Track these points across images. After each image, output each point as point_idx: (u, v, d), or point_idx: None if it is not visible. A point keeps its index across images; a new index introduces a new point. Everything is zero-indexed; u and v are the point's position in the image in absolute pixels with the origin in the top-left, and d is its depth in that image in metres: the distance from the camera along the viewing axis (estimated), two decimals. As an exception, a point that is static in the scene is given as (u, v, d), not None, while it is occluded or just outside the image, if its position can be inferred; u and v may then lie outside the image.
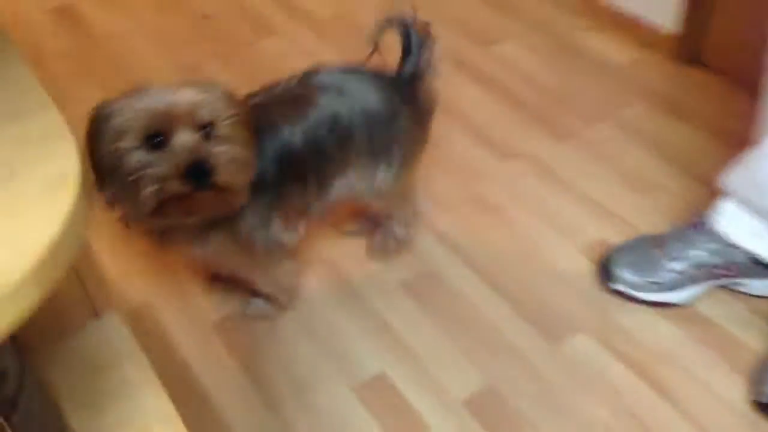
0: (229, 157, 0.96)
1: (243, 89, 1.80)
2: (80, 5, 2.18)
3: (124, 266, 1.44)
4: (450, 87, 1.82)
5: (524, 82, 1.86)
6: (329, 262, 1.44)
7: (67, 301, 1.00)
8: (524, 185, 1.59)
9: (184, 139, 0.93)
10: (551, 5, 2.12)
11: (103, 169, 0.93)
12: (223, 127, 0.96)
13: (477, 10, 2.12)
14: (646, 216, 1.49)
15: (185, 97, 0.94)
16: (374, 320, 1.33)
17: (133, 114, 0.92)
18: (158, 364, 0.99)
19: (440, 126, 1.72)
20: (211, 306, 1.37)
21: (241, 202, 1.03)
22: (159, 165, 0.92)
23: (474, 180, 1.60)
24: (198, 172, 0.92)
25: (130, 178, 0.92)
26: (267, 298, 1.34)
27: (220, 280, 1.39)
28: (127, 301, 1.38)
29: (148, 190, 0.92)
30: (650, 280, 1.30)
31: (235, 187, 0.98)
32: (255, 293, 1.34)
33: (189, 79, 1.00)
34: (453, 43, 1.98)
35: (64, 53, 2.00)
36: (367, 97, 1.19)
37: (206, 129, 0.95)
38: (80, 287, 1.02)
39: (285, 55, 1.97)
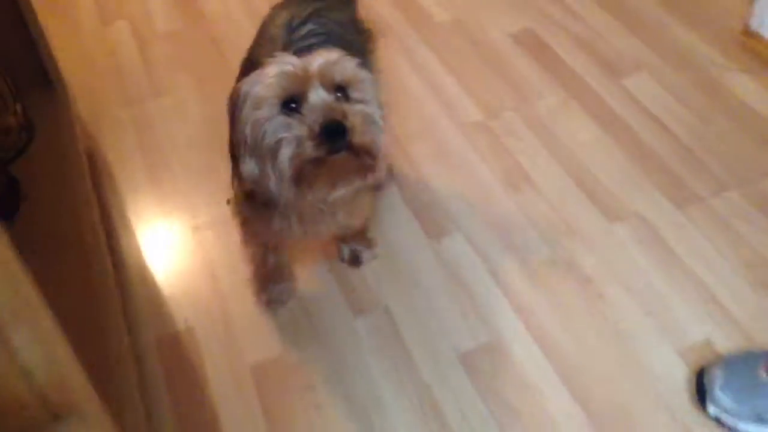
0: (365, 116, 0.93)
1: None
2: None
3: (178, 284, 1.37)
4: (564, 119, 1.61)
5: (651, 126, 1.61)
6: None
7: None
8: (626, 255, 1.37)
9: (317, 98, 0.92)
10: (699, 36, 1.83)
11: (245, 145, 0.94)
12: (357, 90, 0.96)
13: (612, 33, 1.86)
14: (765, 321, 1.24)
15: (318, 59, 0.93)
16: (420, 395, 1.18)
17: (267, 81, 0.92)
18: (182, 397, 0.96)
19: (540, 159, 1.52)
20: (251, 346, 1.27)
21: (380, 168, 0.97)
22: (294, 128, 0.90)
23: (567, 239, 1.40)
24: (333, 132, 0.89)
25: (269, 146, 0.92)
26: (364, 240, 1.37)
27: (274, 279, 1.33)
28: (170, 323, 1.32)
29: (285, 155, 0.90)
30: (751, 407, 1.07)
31: (373, 149, 0.94)
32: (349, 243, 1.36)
33: (323, 50, 0.97)
34: (579, 68, 1.75)
35: (170, 35, 1.95)
36: None
37: (340, 91, 0.94)
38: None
39: (389, 60, 1.82)
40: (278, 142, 0.91)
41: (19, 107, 1.41)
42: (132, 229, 1.48)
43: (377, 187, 1.18)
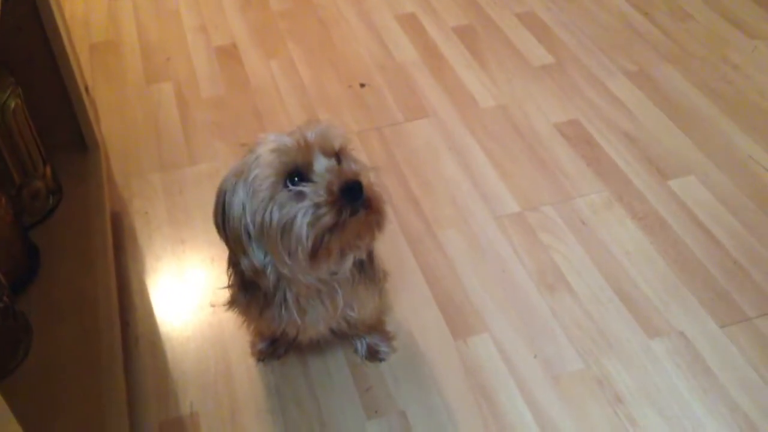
0: (369, 173, 0.93)
1: (379, 170, 1.67)
2: (244, 49, 2.13)
3: (187, 363, 1.32)
4: (605, 219, 1.54)
5: (697, 234, 1.52)
6: (399, 418, 1.23)
7: None
8: (663, 375, 1.27)
9: (325, 164, 0.90)
10: (755, 141, 1.75)
11: (247, 235, 0.92)
12: (347, 155, 0.96)
13: (662, 131, 1.80)
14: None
15: (311, 130, 0.92)
16: None
17: (265, 160, 0.90)
18: None
19: (578, 260, 1.45)
20: (255, 439, 1.21)
21: (385, 225, 0.97)
22: (309, 196, 0.88)
23: (601, 351, 1.31)
24: (353, 191, 0.88)
25: (280, 225, 0.89)
26: (381, 333, 1.32)
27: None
28: (174, 406, 1.26)
29: (302, 227, 0.88)
30: None
31: (383, 206, 0.94)
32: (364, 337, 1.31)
33: (307, 121, 0.97)
34: (624, 166, 1.69)
35: (213, 102, 1.95)
36: None
37: (336, 158, 0.93)
38: None
39: (428, 142, 1.79)
40: (292, 217, 0.88)
41: (49, 170, 1.40)
42: (148, 301, 1.44)
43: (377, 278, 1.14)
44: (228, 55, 2.11)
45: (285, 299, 1.04)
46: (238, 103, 1.94)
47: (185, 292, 1.46)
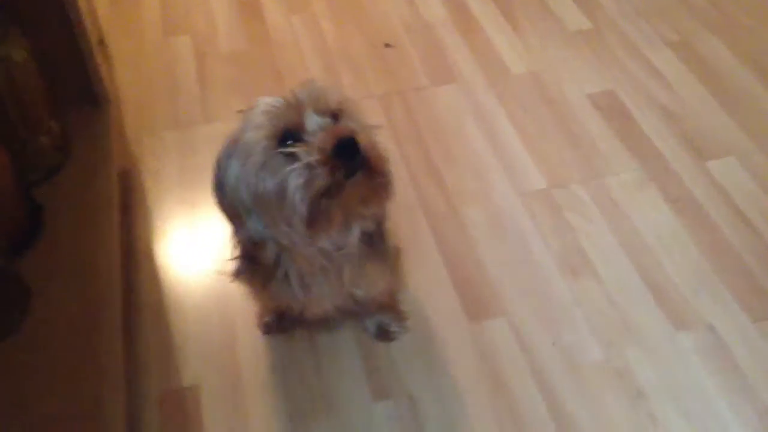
0: (369, 131, 0.87)
1: (400, 137, 1.57)
2: (266, 2, 2.04)
3: (192, 334, 1.28)
4: (637, 200, 1.46)
5: (734, 220, 1.43)
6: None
7: None
8: (688, 370, 1.21)
9: (318, 123, 0.84)
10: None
11: (241, 203, 0.87)
12: (348, 117, 0.89)
13: (703, 108, 1.69)
14: None
15: (305, 89, 0.87)
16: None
17: (256, 121, 0.85)
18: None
19: (605, 243, 1.37)
20: (258, 416, 1.17)
21: (391, 191, 0.89)
22: (301, 156, 0.81)
23: (623, 341, 1.25)
24: (348, 150, 0.81)
25: (274, 190, 0.83)
26: (393, 311, 1.26)
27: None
28: (175, 377, 1.23)
29: (296, 190, 0.81)
30: None
31: (385, 165, 0.86)
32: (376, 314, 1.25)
33: (304, 80, 0.90)
34: (660, 143, 1.59)
35: (232, 57, 1.87)
36: None
37: (333, 118, 0.87)
38: None
39: (454, 109, 1.70)
40: (284, 180, 0.82)
41: (55, 126, 1.34)
42: (154, 265, 1.40)
43: (385, 254, 1.07)
44: (249, 8, 2.02)
45: (287, 275, 0.99)
46: (257, 59, 1.86)
47: (193, 257, 1.41)
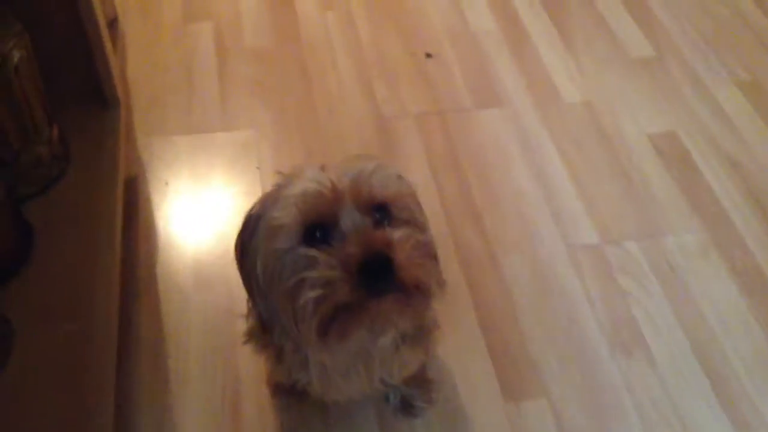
0: (416, 243, 0.71)
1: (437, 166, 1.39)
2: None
3: (190, 393, 1.13)
4: (699, 268, 1.31)
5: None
6: None
7: None
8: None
9: (352, 224, 0.70)
10: None
11: (259, 282, 0.74)
12: (401, 208, 0.75)
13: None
14: None
15: (349, 171, 0.73)
16: None
17: (286, 202, 0.72)
18: None
19: (661, 317, 1.23)
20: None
21: (430, 308, 0.78)
22: (322, 263, 0.68)
23: (678, 442, 1.10)
24: (376, 269, 0.66)
25: (288, 288, 0.70)
26: (421, 382, 1.09)
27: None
28: (170, 438, 1.08)
29: (308, 301, 0.67)
30: None
31: (426, 286, 0.71)
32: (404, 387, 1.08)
33: (353, 156, 0.78)
34: (725, 199, 1.43)
35: (257, 53, 1.70)
36: None
37: (380, 211, 0.73)
38: None
39: (498, 138, 1.53)
40: (299, 284, 0.69)
41: (55, 132, 1.18)
42: (157, 296, 1.25)
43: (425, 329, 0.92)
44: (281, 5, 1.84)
45: (305, 362, 0.84)
46: (284, 57, 1.69)
47: (199, 292, 1.25)
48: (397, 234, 0.70)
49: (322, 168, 0.74)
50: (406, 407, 1.11)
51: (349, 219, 0.70)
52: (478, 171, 1.47)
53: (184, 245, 1.32)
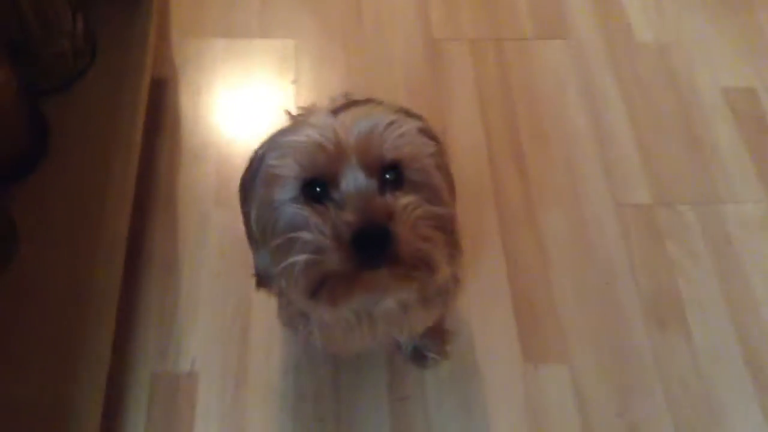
0: (423, 214, 0.63)
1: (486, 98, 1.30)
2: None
3: (201, 313, 1.10)
4: (756, 243, 1.20)
5: None
6: None
7: None
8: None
9: (353, 186, 0.62)
10: None
11: (256, 227, 0.69)
12: (416, 171, 0.65)
13: None
14: None
15: (359, 123, 0.63)
16: None
17: (286, 151, 0.64)
18: None
19: (707, 293, 1.15)
20: (256, 420, 1.01)
21: (440, 279, 0.66)
22: (312, 226, 0.61)
23: (701, 425, 1.03)
24: (369, 242, 0.59)
25: (280, 243, 0.64)
26: (436, 333, 1.02)
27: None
28: (173, 358, 1.06)
29: (297, 264, 0.61)
30: None
31: (430, 262, 0.63)
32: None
33: (372, 101, 0.71)
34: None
35: None
36: None
37: (389, 173, 0.64)
38: None
39: (557, 73, 1.41)
40: (289, 241, 0.63)
41: (80, 26, 1.11)
42: (174, 210, 1.20)
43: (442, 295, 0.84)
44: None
45: (305, 314, 0.79)
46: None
47: (219, 211, 1.20)
48: (403, 201, 0.61)
49: (334, 112, 0.66)
50: (418, 357, 1.05)
51: (351, 179, 0.62)
52: (529, 108, 1.35)
53: (208, 159, 1.26)
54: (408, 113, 0.69)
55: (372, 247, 0.59)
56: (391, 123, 0.63)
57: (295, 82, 1.36)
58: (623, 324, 1.12)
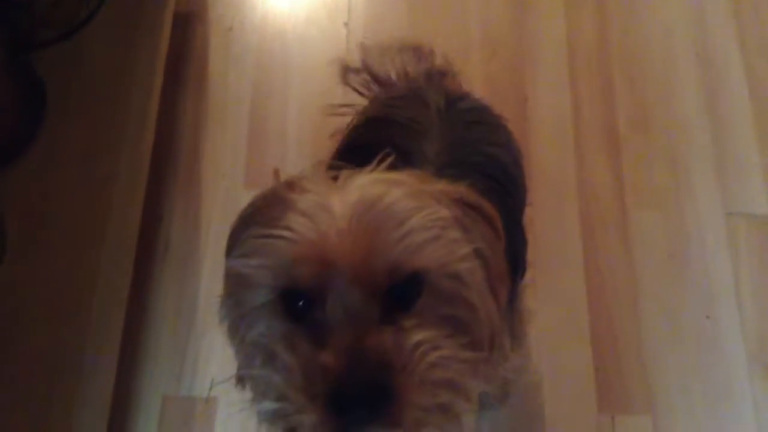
0: (441, 361, 0.44)
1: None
2: None
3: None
4: None
5: None
6: None
7: None
8: None
9: (339, 311, 0.44)
10: None
11: (224, 316, 0.52)
12: (444, 279, 0.46)
13: None
14: None
15: (365, 212, 0.45)
16: None
17: (259, 249, 0.46)
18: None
19: None
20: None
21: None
22: (281, 368, 0.45)
23: None
24: (353, 399, 0.42)
25: (249, 353, 0.50)
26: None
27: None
28: (189, 380, 0.91)
29: (263, 407, 0.46)
30: None
31: (449, 408, 0.46)
32: None
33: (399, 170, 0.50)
34: None
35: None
36: None
37: (401, 287, 0.45)
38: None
39: (669, 35, 1.14)
40: (262, 359, 0.48)
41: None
42: (196, 193, 1.02)
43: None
44: None
45: None
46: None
47: (248, 193, 1.01)
48: (413, 338, 0.44)
49: (334, 179, 0.47)
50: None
51: (339, 302, 0.44)
52: (631, 80, 1.11)
53: (239, 120, 1.06)
54: (445, 194, 0.48)
55: (356, 410, 0.42)
56: (415, 210, 0.44)
57: (347, 24, 1.14)
58: (721, 367, 0.93)
